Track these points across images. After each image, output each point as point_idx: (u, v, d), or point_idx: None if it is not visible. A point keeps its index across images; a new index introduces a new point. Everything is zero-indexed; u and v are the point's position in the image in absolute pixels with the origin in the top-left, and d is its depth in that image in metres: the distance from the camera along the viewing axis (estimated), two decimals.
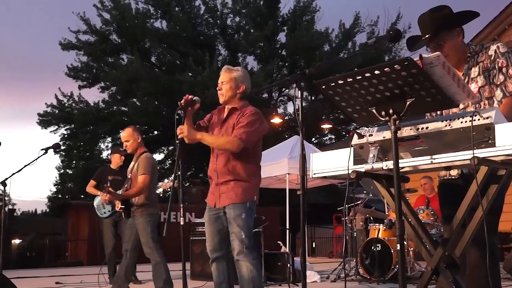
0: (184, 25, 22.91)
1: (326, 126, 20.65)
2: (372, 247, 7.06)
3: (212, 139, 3.73)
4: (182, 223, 3.46)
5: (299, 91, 2.65)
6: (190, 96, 3.73)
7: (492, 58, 2.80)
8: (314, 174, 2.85)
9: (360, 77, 2.28)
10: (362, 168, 2.56)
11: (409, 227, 2.68)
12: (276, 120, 19.15)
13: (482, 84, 2.82)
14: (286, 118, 24.01)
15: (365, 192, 8.35)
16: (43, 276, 9.19)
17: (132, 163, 5.44)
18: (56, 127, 24.15)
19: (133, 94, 22.11)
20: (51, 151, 5.56)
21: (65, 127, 24.33)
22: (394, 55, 23.67)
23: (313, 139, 24.26)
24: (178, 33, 23.11)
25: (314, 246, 19.15)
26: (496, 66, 2.78)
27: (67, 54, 24.17)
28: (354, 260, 7.53)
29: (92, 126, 23.87)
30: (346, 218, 8.11)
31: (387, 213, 8.27)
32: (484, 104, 2.81)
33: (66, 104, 24.03)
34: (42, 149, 5.39)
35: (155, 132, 24.96)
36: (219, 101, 3.82)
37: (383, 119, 2.37)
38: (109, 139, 25.09)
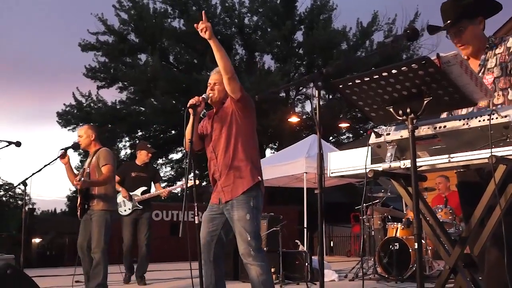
0: None
1: (343, 124, 20.65)
2: (390, 246, 7.04)
3: (222, 51, 3.67)
4: (196, 221, 3.47)
5: (316, 91, 2.66)
6: (197, 98, 3.80)
7: (511, 50, 2.79)
8: (331, 173, 2.87)
9: (377, 76, 2.28)
10: (379, 167, 2.56)
11: (427, 226, 2.68)
12: (294, 119, 19.24)
13: (498, 75, 2.81)
14: (304, 117, 23.96)
15: (383, 191, 8.32)
16: (63, 274, 9.28)
17: (89, 158, 5.51)
18: (75, 126, 24.36)
19: (151, 93, 22.20)
20: (70, 150, 5.63)
21: None
22: (412, 53, 23.46)
23: (331, 137, 24.17)
24: (196, 32, 22.96)
25: (332, 245, 19.12)
26: None
27: (85, 54, 24.34)
28: (372, 259, 7.51)
29: (110, 125, 24.02)
30: (364, 217, 8.08)
31: (405, 212, 8.23)
32: (498, 95, 2.79)
33: (85, 104, 24.21)
34: (62, 149, 5.43)
35: (173, 132, 25.03)
36: (210, 100, 3.87)
37: (400, 118, 2.37)
38: (126, 138, 25.23)
